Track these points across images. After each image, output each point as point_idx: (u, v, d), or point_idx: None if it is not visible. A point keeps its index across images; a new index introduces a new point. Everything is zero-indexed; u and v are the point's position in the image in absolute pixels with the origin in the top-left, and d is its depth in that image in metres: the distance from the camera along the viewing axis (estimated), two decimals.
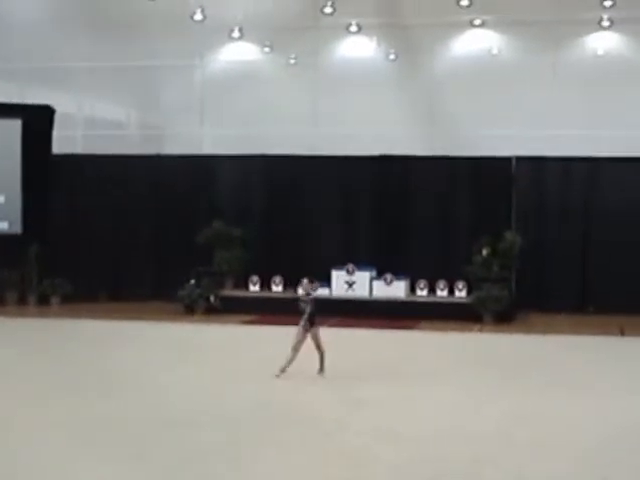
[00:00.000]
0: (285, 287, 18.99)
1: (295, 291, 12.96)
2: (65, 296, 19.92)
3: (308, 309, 12.04)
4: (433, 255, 19.65)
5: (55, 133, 20.29)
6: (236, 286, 19.75)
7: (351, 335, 16.56)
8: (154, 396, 10.84)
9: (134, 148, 20.86)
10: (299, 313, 12.09)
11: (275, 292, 18.93)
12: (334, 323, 16.97)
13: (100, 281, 20.19)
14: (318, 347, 12.03)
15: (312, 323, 12.08)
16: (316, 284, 12.99)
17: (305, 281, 12.66)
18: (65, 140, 20.36)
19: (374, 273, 19.36)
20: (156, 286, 19.88)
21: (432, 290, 19.16)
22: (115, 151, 20.51)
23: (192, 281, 19.24)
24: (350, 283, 19.26)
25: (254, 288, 19.48)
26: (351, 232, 20.32)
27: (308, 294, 12.43)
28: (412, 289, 19.32)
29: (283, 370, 11.81)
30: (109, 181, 20.40)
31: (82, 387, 11.49)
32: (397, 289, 19.19)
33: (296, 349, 11.89)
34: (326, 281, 18.95)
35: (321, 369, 12.12)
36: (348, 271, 19.23)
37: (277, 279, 18.98)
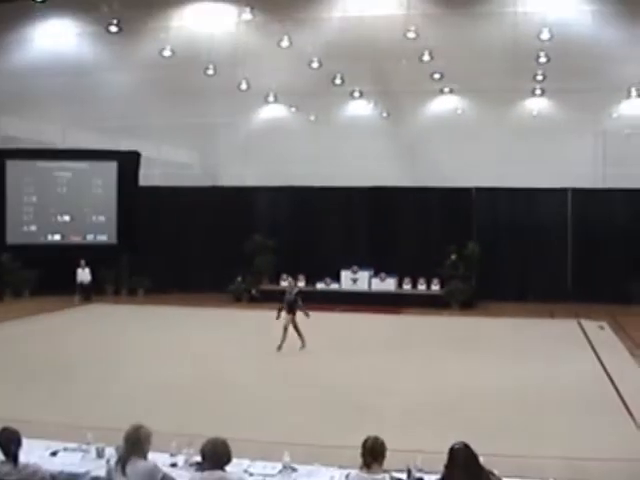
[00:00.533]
0: (307, 282, 19.10)
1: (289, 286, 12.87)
2: (147, 289, 20.30)
3: (299, 301, 12.02)
4: (415, 259, 19.67)
5: (140, 171, 20.64)
6: (270, 282, 19.87)
7: (355, 318, 16.83)
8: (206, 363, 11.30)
9: (197, 181, 21.05)
10: (286, 303, 12.01)
11: (299, 286, 18.64)
12: (343, 309, 17.35)
13: (172, 278, 20.07)
14: (296, 329, 11.95)
15: (293, 311, 11.96)
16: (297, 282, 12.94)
17: (289, 280, 12.71)
18: (147, 176, 20.69)
19: (372, 272, 19.57)
20: (213, 282, 19.63)
21: (414, 285, 19.43)
22: (183, 184, 20.82)
23: (239, 278, 19.59)
24: (354, 279, 19.40)
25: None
26: (354, 242, 20.31)
27: (292, 289, 12.32)
28: (399, 284, 19.55)
29: (280, 347, 11.75)
30: (179, 206, 20.65)
31: (158, 353, 12.00)
32: (388, 284, 19.41)
33: (286, 329, 11.90)
34: (336, 278, 19.42)
35: (303, 345, 11.99)
36: (353, 271, 19.45)
37: (300, 276, 18.94)
